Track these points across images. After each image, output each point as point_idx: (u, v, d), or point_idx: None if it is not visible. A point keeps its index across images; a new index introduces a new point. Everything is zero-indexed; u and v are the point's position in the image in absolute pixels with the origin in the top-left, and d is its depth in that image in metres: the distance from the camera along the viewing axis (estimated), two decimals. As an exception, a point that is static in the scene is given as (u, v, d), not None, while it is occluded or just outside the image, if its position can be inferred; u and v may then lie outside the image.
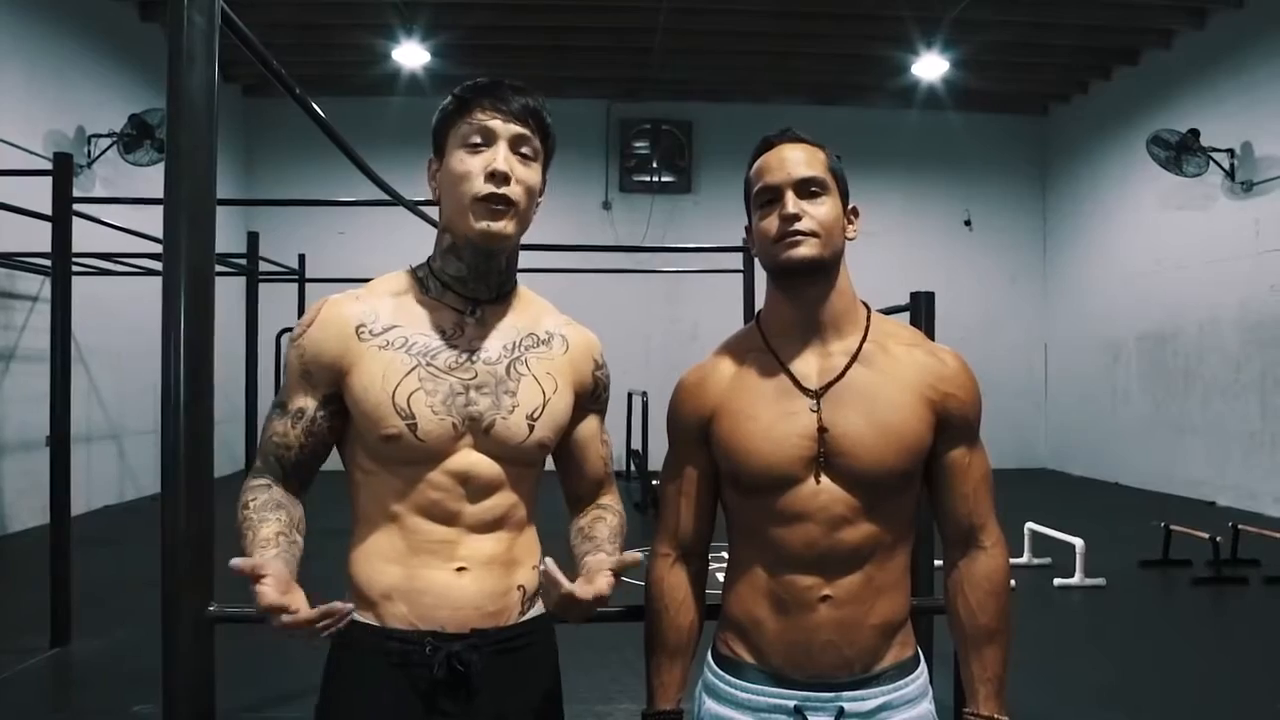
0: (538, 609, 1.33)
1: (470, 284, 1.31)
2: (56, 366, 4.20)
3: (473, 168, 1.25)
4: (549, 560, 1.16)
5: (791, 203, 1.26)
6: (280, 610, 1.05)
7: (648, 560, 1.40)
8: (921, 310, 2.61)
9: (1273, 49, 7.85)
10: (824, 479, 1.25)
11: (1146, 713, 3.48)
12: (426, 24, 8.80)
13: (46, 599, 4.05)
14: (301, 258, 8.48)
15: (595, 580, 1.17)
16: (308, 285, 8.49)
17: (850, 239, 1.32)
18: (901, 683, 1.29)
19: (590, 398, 1.41)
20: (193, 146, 1.48)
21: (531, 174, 1.28)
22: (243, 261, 7.09)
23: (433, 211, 4.56)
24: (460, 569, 1.26)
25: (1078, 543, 5.40)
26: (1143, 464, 9.69)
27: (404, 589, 1.25)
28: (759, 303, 1.45)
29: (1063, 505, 8.21)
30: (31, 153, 7.00)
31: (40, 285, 6.95)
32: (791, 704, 1.26)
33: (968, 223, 11.82)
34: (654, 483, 1.54)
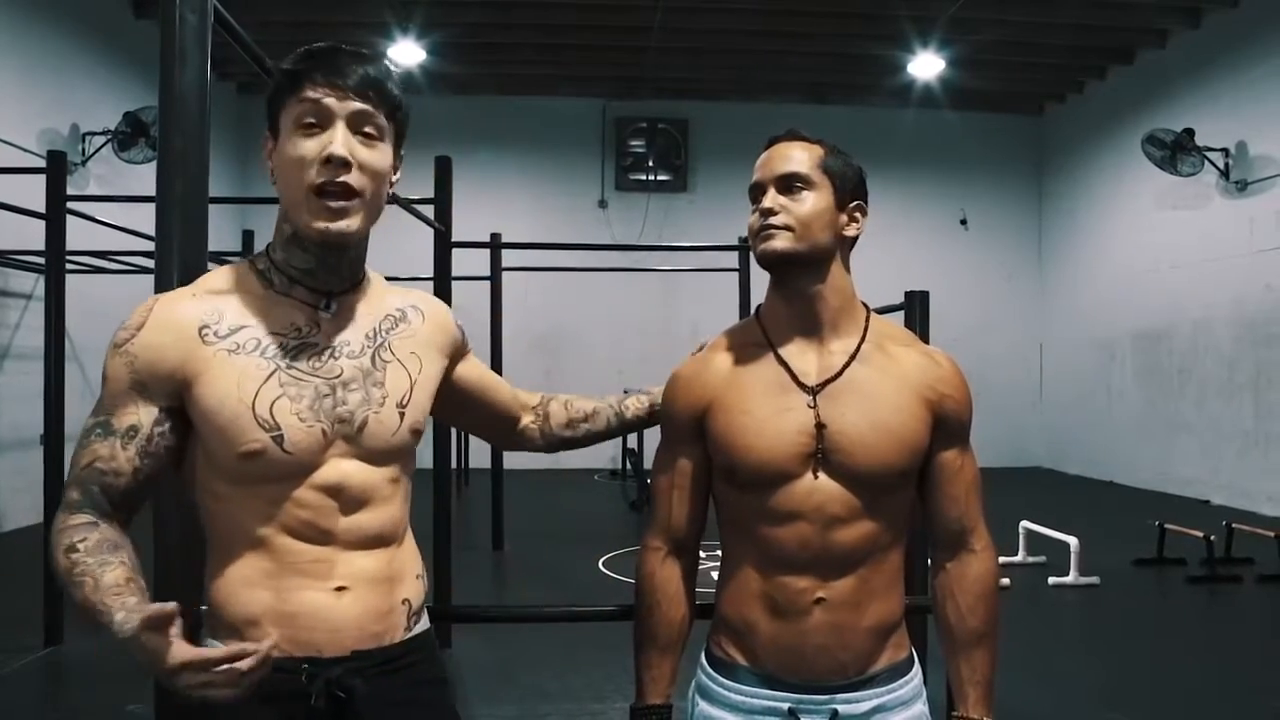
0: (423, 624, 1.26)
1: (320, 276, 1.18)
2: (50, 365, 4.18)
3: (307, 152, 1.11)
4: None
5: (769, 198, 1.28)
6: (230, 658, 0.93)
7: (639, 554, 1.39)
8: (916, 309, 2.60)
9: (1267, 48, 7.85)
10: (821, 475, 1.24)
11: (1141, 711, 3.48)
12: (422, 22, 8.77)
13: (40, 598, 4.04)
14: (297, 256, 8.46)
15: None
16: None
17: (849, 235, 1.32)
18: (896, 684, 1.29)
19: (463, 348, 1.38)
20: (185, 145, 1.47)
21: (377, 155, 1.15)
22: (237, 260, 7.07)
23: (428, 210, 4.52)
24: (339, 589, 1.14)
25: (1072, 541, 5.41)
26: (1137, 463, 9.70)
27: (275, 612, 1.12)
28: (755, 301, 1.44)
29: (1057, 504, 8.21)
30: (25, 150, 6.97)
31: (34, 283, 6.93)
32: (785, 706, 1.26)
33: (963, 222, 11.83)
34: (649, 480, 1.56)
